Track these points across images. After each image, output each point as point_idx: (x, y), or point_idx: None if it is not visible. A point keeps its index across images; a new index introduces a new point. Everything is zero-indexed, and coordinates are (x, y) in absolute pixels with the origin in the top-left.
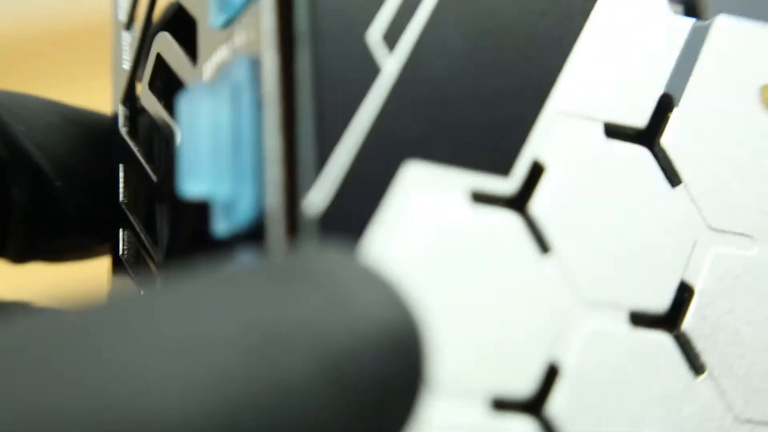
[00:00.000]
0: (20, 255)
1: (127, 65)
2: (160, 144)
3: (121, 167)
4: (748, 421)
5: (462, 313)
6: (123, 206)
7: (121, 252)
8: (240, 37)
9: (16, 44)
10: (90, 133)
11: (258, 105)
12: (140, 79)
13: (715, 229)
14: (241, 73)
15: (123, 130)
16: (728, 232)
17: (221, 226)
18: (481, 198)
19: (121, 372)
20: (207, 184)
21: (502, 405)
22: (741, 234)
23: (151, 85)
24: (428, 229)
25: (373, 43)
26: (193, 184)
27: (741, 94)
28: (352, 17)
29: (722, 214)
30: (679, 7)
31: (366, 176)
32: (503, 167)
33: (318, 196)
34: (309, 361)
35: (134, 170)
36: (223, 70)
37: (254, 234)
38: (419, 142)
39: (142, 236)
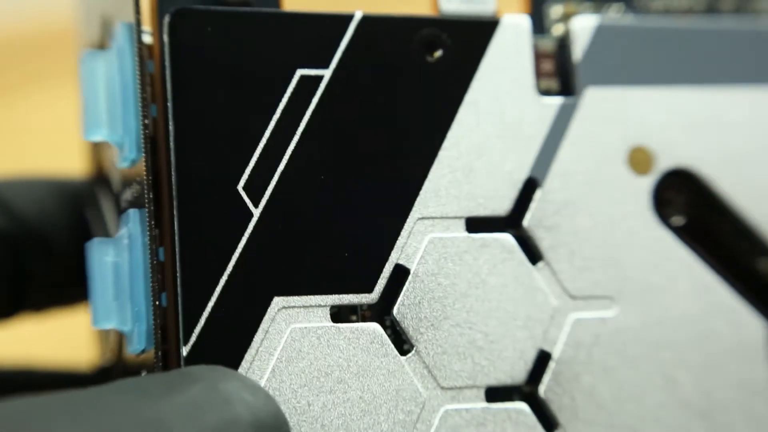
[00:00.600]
0: (43, 307)
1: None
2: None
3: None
4: None
5: (327, 406)
6: None
7: None
8: (131, 190)
9: (19, 43)
10: (79, 199)
11: (147, 250)
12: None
13: (575, 297)
14: (134, 224)
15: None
16: (589, 297)
17: (129, 348)
18: (340, 314)
19: None
20: (113, 324)
21: None
22: (601, 297)
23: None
24: (292, 353)
25: (241, 194)
26: (102, 324)
27: (610, 160)
28: (219, 174)
29: (584, 280)
30: (556, 82)
31: (236, 315)
32: (367, 285)
33: (191, 341)
34: None
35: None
36: (123, 218)
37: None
38: (284, 278)
39: None
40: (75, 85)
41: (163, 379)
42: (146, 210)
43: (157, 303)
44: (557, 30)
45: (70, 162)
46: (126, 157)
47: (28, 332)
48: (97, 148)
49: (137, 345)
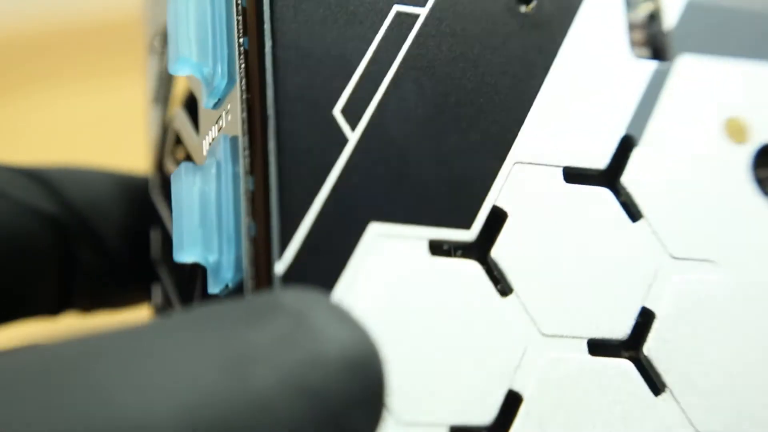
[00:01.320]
0: (88, 306)
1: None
2: None
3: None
4: None
5: (425, 349)
6: (153, 262)
7: (152, 303)
8: (224, 118)
9: (19, 43)
10: (134, 197)
11: (238, 180)
12: (166, 150)
13: (677, 258)
14: (223, 152)
15: (154, 193)
16: (691, 259)
17: (213, 287)
18: (441, 250)
19: (114, 395)
20: (197, 255)
21: None
22: (703, 260)
23: (172, 155)
24: (391, 280)
25: (337, 118)
26: (186, 255)
27: (704, 128)
28: (316, 97)
29: (684, 242)
30: (647, 51)
31: (331, 238)
32: (464, 221)
33: (285, 262)
34: (278, 375)
35: (161, 230)
36: (212, 148)
37: (239, 292)
38: (381, 204)
39: (168, 290)
40: (75, 85)
41: (246, 307)
42: (238, 138)
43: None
44: (645, 8)
45: (69, 161)
46: (216, 89)
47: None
48: (160, 147)
49: (226, 273)
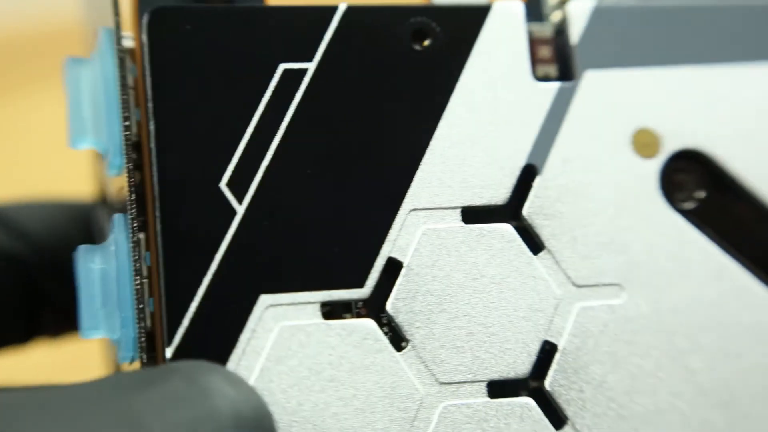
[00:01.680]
0: (56, 332)
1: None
2: None
3: None
4: None
5: (320, 412)
6: None
7: None
8: (116, 196)
9: (19, 43)
10: (90, 223)
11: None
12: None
13: (580, 285)
14: (119, 231)
15: (102, 217)
16: (595, 285)
17: (118, 357)
18: (333, 312)
19: None
20: (102, 333)
21: None
22: (609, 284)
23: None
24: (282, 348)
25: (224, 191)
26: (91, 334)
27: (613, 143)
28: (201, 172)
29: (589, 268)
30: (555, 68)
31: (221, 315)
32: (358, 279)
33: (175, 342)
34: (171, 430)
35: None
36: (111, 225)
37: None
38: (271, 274)
39: None
40: None
41: (142, 373)
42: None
43: (141, 307)
44: (556, 17)
45: (69, 161)
46: (112, 164)
47: (41, 359)
48: (99, 169)
49: (125, 352)
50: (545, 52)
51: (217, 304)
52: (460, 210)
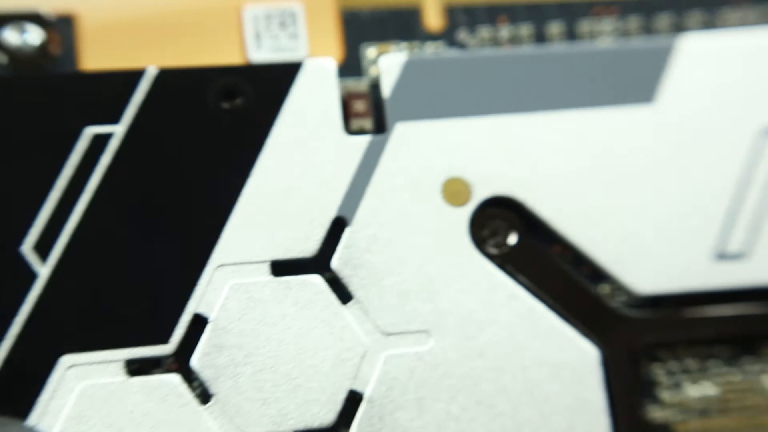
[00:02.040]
0: None
1: None
2: None
3: None
4: None
5: None
6: None
7: None
8: None
9: None
10: None
11: None
12: None
13: (388, 333)
14: None
15: None
16: (403, 333)
17: None
18: (142, 369)
19: None
20: None
21: None
22: (417, 331)
23: None
24: (83, 407)
25: (26, 255)
26: None
27: (423, 193)
28: (1, 236)
29: (397, 316)
30: (370, 121)
31: (21, 377)
32: (162, 335)
33: None
34: None
35: None
36: None
37: None
38: (74, 335)
39: None
40: None
41: None
42: None
43: None
44: (373, 71)
45: None
46: None
47: None
48: None
49: None
50: (360, 106)
51: (17, 367)
52: (269, 263)
